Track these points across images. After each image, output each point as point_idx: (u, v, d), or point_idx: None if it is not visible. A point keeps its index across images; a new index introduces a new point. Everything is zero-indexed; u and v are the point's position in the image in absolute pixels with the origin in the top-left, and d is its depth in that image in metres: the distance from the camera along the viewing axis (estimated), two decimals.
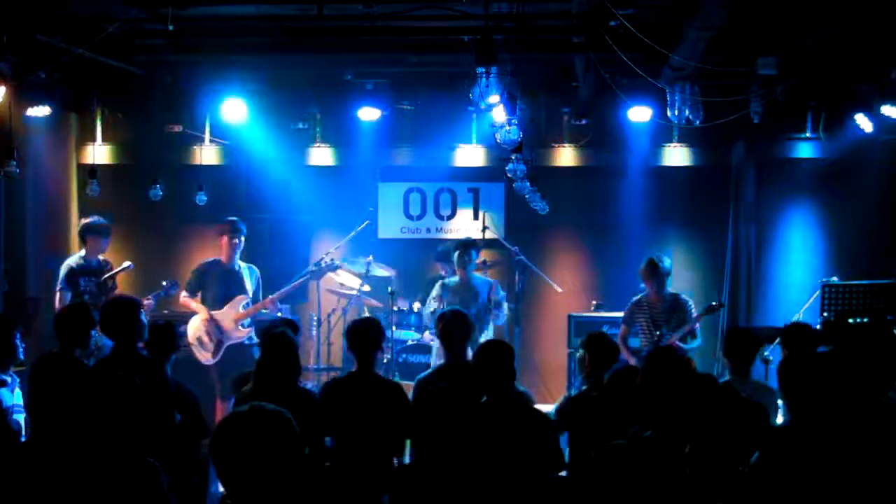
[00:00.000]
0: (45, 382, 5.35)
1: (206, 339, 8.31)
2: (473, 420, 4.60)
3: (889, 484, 3.72)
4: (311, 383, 8.77)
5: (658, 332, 7.81)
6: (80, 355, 5.69)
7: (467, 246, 8.50)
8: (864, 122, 8.83)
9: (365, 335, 5.53)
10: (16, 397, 5.77)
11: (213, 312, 8.33)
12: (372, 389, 5.44)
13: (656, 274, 7.93)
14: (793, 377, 3.97)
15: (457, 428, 4.46)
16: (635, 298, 8.12)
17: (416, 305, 9.25)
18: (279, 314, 9.18)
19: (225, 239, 8.48)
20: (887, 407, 4.39)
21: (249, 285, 8.48)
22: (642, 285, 8.11)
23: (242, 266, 8.55)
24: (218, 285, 8.44)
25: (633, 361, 7.90)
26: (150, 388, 4.74)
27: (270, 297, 8.49)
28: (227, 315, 8.32)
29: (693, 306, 7.96)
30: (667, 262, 8.03)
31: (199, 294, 8.48)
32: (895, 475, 3.75)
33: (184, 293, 8.48)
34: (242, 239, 8.53)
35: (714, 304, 8.09)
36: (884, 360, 4.61)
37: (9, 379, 5.74)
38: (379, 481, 5.19)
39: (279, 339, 5.37)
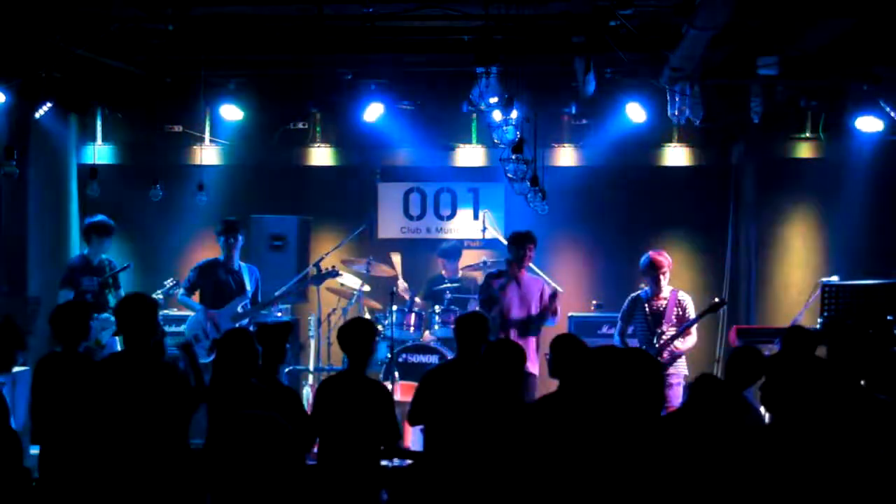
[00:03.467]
0: (52, 381, 5.35)
1: (202, 336, 8.31)
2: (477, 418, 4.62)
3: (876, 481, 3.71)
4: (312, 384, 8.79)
5: (658, 331, 7.80)
6: (83, 351, 5.70)
7: None
8: (867, 123, 8.76)
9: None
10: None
11: (210, 311, 8.33)
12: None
13: (656, 271, 7.93)
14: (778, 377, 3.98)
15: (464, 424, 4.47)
16: (633, 295, 8.12)
17: (417, 299, 9.30)
18: (279, 314, 9.19)
19: (223, 239, 8.49)
20: (879, 404, 4.40)
21: (248, 285, 8.50)
22: (643, 283, 8.12)
23: (242, 266, 8.56)
24: (216, 284, 8.45)
25: None
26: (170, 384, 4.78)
27: (274, 297, 8.49)
28: (225, 314, 8.33)
29: (692, 303, 7.96)
30: (667, 258, 8.03)
31: (198, 292, 8.49)
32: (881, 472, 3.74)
33: (182, 291, 8.49)
34: (240, 238, 8.54)
35: (717, 300, 8.06)
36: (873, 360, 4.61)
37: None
38: (371, 479, 5.22)
39: (236, 335, 5.45)
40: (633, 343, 7.92)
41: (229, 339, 5.42)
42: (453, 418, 5.30)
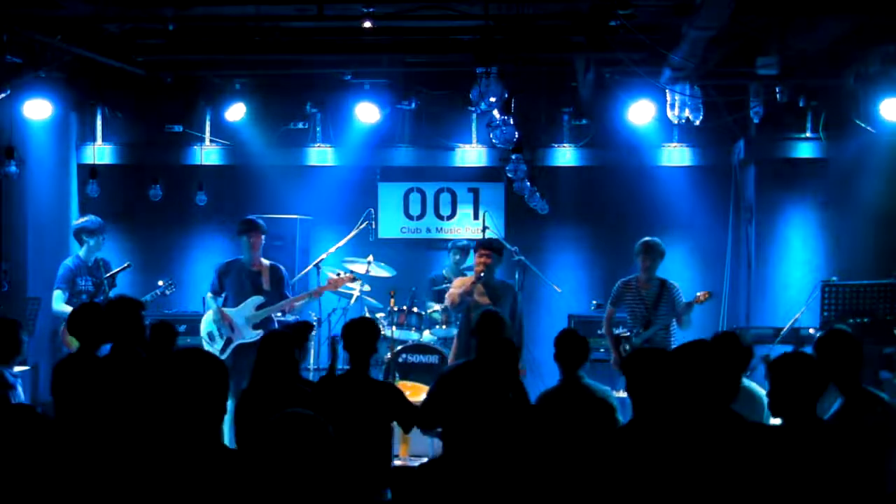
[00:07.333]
0: (71, 384, 5.31)
1: (216, 335, 8.26)
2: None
3: None
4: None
5: (645, 315, 7.93)
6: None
7: None
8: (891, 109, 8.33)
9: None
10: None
11: (225, 310, 8.22)
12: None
13: (651, 252, 7.98)
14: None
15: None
16: (624, 279, 8.19)
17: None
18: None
19: (243, 238, 8.36)
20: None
21: (269, 285, 8.33)
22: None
23: (265, 265, 8.39)
24: (235, 284, 8.29)
25: (613, 352, 8.04)
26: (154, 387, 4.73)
27: (290, 300, 8.41)
28: (240, 314, 8.22)
29: (680, 291, 8.00)
30: (661, 244, 8.09)
31: (224, 293, 8.39)
32: None
33: (209, 294, 8.39)
34: (260, 237, 8.36)
35: (701, 293, 8.02)
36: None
37: (13, 379, 5.75)
38: (378, 477, 5.21)
39: (275, 336, 5.44)
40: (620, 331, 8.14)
41: (267, 341, 5.44)
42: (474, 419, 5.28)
